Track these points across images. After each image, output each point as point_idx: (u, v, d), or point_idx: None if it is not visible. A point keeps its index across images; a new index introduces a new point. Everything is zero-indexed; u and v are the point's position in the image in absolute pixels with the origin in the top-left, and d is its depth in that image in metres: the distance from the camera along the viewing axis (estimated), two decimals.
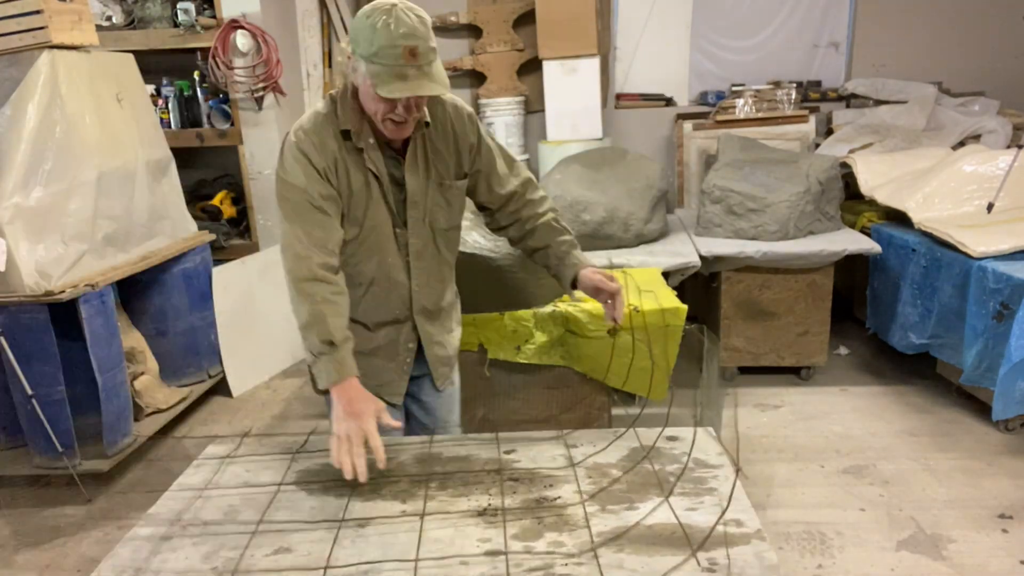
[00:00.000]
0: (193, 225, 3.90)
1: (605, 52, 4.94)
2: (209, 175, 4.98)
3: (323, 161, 1.66)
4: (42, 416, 2.89)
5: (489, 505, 1.45)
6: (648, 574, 1.21)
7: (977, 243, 3.24)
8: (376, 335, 1.87)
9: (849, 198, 4.30)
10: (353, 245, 1.76)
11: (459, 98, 1.84)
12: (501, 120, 4.97)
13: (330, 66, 4.87)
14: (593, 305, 2.65)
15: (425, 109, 1.70)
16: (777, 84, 5.06)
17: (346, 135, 1.69)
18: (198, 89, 4.45)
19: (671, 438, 1.70)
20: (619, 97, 5.34)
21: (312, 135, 1.67)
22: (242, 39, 4.19)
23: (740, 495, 1.42)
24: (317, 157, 1.65)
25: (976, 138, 4.59)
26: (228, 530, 1.42)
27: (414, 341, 1.91)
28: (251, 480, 1.61)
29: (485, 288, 2.57)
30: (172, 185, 3.76)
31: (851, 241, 3.68)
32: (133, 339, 3.50)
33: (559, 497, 1.47)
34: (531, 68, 5.09)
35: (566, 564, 1.25)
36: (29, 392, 2.87)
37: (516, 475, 1.57)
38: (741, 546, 1.28)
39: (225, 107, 4.40)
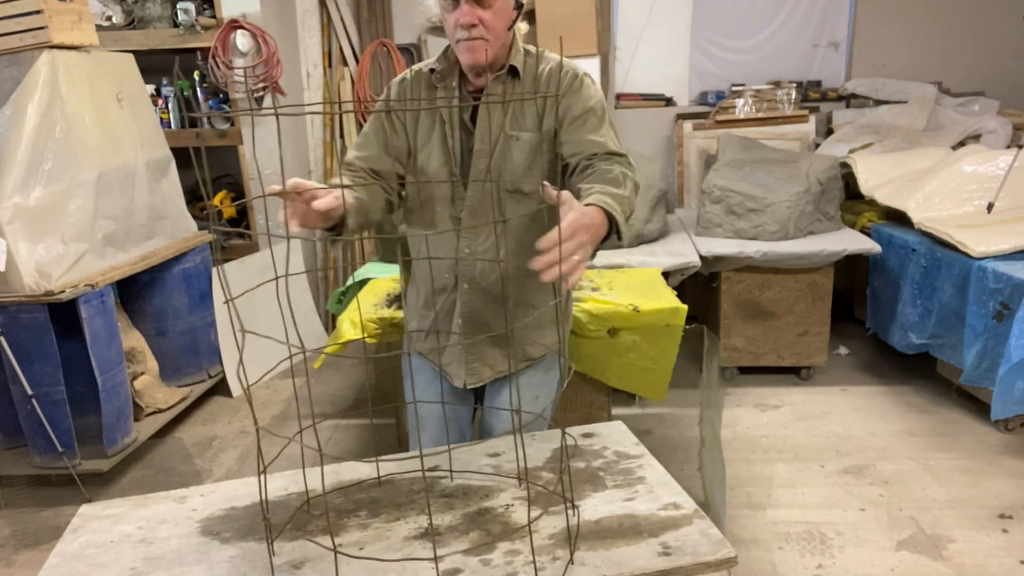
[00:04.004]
0: (193, 225, 3.90)
1: (605, 52, 4.94)
2: (209, 175, 4.98)
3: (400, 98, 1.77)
4: (42, 416, 2.90)
5: (430, 525, 1.37)
6: (612, 566, 1.22)
7: (977, 243, 3.24)
8: (434, 304, 1.80)
9: (849, 198, 4.30)
10: (411, 194, 1.77)
11: (580, 65, 1.72)
12: None
13: (330, 66, 4.87)
14: (593, 305, 2.66)
15: (519, 53, 1.67)
16: (777, 84, 5.06)
17: (436, 75, 1.72)
18: (198, 89, 4.45)
19: (587, 435, 1.70)
20: (619, 97, 5.34)
21: (412, 75, 1.77)
22: (242, 39, 4.19)
23: (669, 480, 1.48)
24: (396, 92, 1.78)
25: (976, 138, 4.59)
26: None
27: (462, 316, 1.77)
28: (148, 536, 1.40)
29: None
30: (172, 185, 3.76)
31: (851, 241, 3.68)
32: (133, 339, 3.50)
33: (499, 506, 1.43)
34: None
35: (529, 570, 1.22)
36: (29, 392, 2.88)
37: (447, 491, 1.49)
38: (686, 527, 1.32)
39: (225, 107, 4.40)
